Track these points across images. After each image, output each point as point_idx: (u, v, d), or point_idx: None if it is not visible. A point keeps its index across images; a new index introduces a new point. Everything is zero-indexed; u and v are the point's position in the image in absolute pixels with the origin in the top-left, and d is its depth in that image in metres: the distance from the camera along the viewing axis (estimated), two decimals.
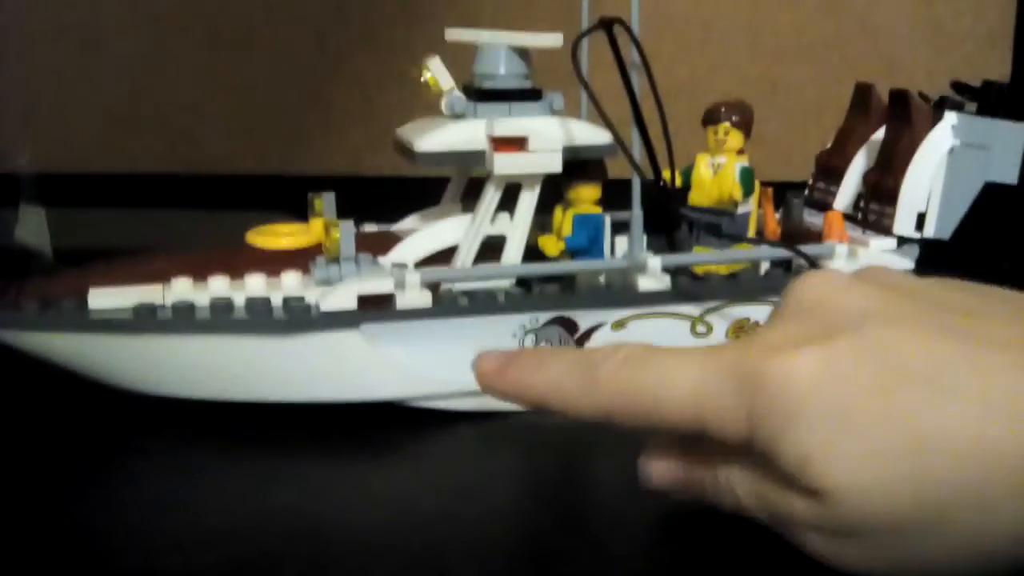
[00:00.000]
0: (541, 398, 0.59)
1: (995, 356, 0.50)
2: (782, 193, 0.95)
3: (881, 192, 0.89)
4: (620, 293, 0.82)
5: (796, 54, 1.59)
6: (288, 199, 0.95)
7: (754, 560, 0.63)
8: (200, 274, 0.78)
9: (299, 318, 0.75)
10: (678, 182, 0.86)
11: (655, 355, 0.56)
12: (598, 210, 0.83)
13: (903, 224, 0.88)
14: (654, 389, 0.55)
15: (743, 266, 0.86)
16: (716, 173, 0.85)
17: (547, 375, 0.58)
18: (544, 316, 0.80)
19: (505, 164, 0.78)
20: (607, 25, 0.77)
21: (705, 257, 0.84)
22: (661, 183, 0.84)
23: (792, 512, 0.54)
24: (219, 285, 0.77)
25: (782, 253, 0.85)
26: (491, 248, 0.81)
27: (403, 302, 0.77)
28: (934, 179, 0.87)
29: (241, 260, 0.80)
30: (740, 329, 0.85)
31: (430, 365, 0.79)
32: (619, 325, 0.82)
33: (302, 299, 0.76)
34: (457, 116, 0.80)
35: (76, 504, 0.69)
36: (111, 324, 0.75)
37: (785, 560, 0.61)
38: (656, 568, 0.62)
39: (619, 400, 0.56)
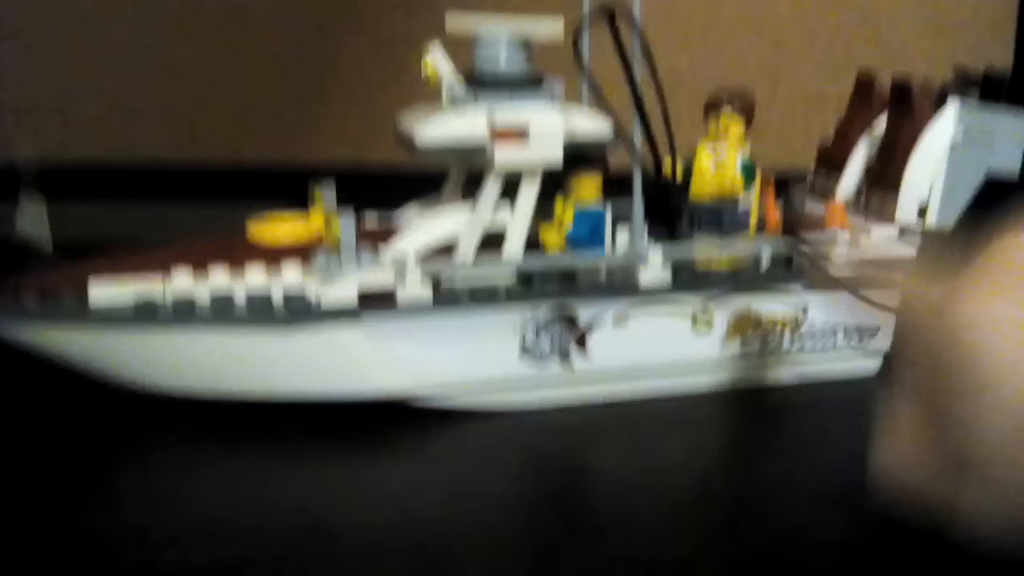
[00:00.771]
0: None
1: None
2: (784, 183, 0.94)
3: (883, 182, 0.89)
4: (621, 286, 0.81)
5: (798, 44, 1.58)
6: (289, 190, 0.95)
7: (757, 555, 0.63)
8: (201, 267, 0.78)
9: (299, 313, 0.75)
10: (679, 172, 0.85)
11: None
12: (599, 201, 0.83)
13: (905, 214, 0.87)
14: None
15: (745, 259, 0.85)
16: (717, 163, 0.84)
17: None
18: (545, 310, 0.80)
19: (506, 156, 0.77)
20: (609, 13, 0.76)
21: (707, 250, 0.84)
22: (662, 174, 0.83)
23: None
24: (219, 278, 0.77)
25: (785, 246, 0.85)
26: (492, 240, 0.80)
27: (404, 297, 0.76)
28: (936, 169, 0.86)
29: (242, 252, 0.80)
30: (741, 324, 0.85)
31: (431, 360, 0.79)
32: (620, 318, 0.82)
33: (302, 293, 0.76)
34: (458, 105, 0.80)
35: (76, 500, 0.69)
36: (111, 319, 0.75)
37: (791, 555, 0.61)
38: (660, 566, 0.62)
39: None
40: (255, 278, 0.77)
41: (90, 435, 0.78)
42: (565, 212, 0.83)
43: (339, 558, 0.62)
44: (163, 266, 0.78)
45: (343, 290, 0.75)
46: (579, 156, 0.81)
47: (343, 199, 0.83)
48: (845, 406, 0.84)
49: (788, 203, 0.94)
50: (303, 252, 0.80)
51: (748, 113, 0.85)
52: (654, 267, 0.81)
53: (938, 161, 0.86)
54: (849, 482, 0.72)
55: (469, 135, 0.78)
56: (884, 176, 0.89)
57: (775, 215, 0.91)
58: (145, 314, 0.75)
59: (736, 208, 0.84)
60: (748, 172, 0.82)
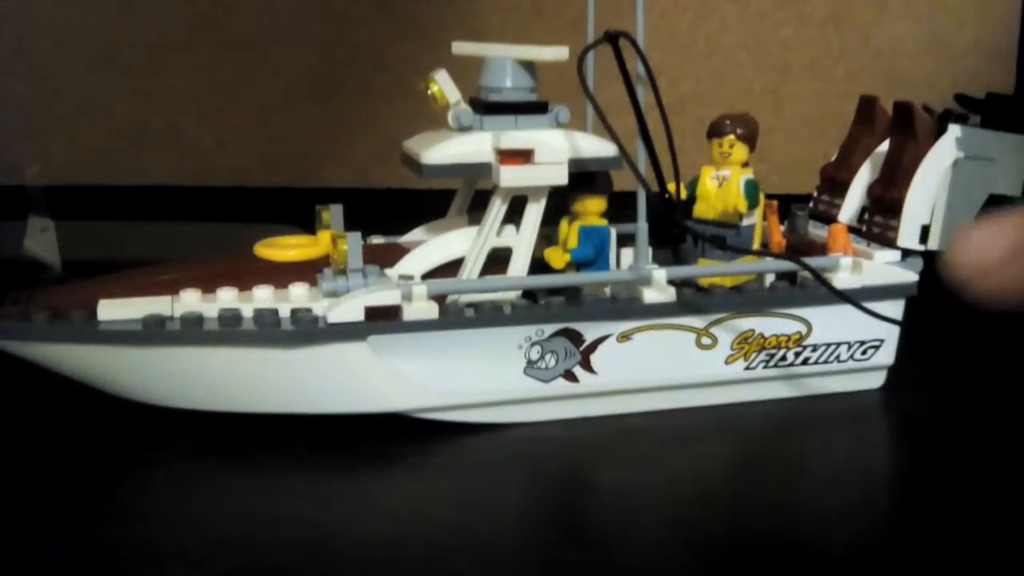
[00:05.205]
0: None
1: None
2: (787, 206, 0.95)
3: (885, 204, 0.90)
4: (625, 305, 0.82)
5: (801, 68, 1.60)
6: (296, 211, 0.96)
7: (760, 570, 0.63)
8: (209, 286, 0.78)
9: (307, 330, 0.76)
10: (683, 195, 0.86)
11: None
12: (604, 222, 0.84)
13: (907, 236, 0.88)
14: None
15: (748, 278, 0.86)
16: (721, 186, 0.85)
17: None
18: (550, 328, 0.81)
19: (511, 176, 0.78)
20: (613, 39, 0.77)
21: (710, 269, 0.85)
22: (666, 196, 0.84)
23: None
24: (227, 297, 0.78)
25: (787, 265, 0.85)
26: (497, 260, 0.81)
27: (410, 314, 0.77)
28: (938, 191, 0.87)
29: (249, 272, 0.80)
30: (745, 342, 0.85)
31: (436, 376, 0.79)
32: (624, 337, 0.82)
33: (309, 311, 0.77)
34: (464, 129, 0.81)
35: (84, 515, 0.70)
36: (120, 336, 0.76)
37: (794, 570, 0.61)
38: None
39: None
40: (262, 296, 0.78)
41: (99, 450, 0.79)
42: (570, 233, 0.84)
43: (344, 572, 0.63)
44: (171, 285, 0.79)
45: (350, 307, 0.76)
46: (584, 178, 0.82)
47: (349, 221, 0.84)
48: (849, 421, 0.85)
49: (791, 225, 0.95)
50: (310, 271, 0.81)
51: (751, 138, 0.86)
52: (658, 286, 0.81)
53: (940, 183, 0.87)
54: (852, 496, 0.73)
55: (475, 156, 0.79)
56: (886, 198, 0.89)
57: (779, 237, 0.92)
58: (154, 331, 0.75)
59: (739, 228, 0.85)
60: (751, 190, 0.83)
